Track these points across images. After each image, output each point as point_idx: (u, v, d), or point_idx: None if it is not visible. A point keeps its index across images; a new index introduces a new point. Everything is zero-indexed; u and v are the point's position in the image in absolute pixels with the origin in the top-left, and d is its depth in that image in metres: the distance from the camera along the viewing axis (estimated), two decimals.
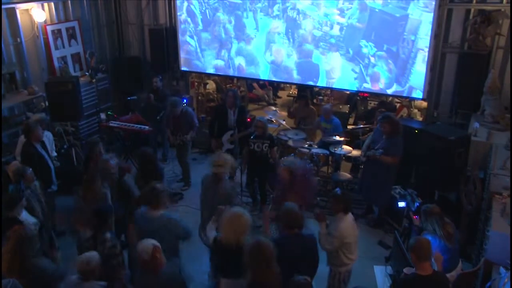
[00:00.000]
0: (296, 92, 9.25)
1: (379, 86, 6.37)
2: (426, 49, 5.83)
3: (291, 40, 6.84)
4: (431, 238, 3.44)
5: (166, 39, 7.64)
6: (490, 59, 5.52)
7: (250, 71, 7.39)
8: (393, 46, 6.07)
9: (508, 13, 5.32)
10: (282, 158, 5.88)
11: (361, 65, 6.40)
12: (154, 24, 7.85)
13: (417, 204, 4.27)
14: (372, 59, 6.28)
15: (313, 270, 3.37)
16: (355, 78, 6.52)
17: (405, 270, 3.34)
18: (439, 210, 3.52)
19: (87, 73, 7.33)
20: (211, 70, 7.74)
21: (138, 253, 2.96)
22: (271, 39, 6.99)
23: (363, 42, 6.29)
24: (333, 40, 6.48)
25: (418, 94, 6.10)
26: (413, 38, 5.90)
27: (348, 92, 8.29)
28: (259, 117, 5.63)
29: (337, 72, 6.63)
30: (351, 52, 6.42)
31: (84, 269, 2.95)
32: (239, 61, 7.39)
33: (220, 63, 7.58)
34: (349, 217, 3.66)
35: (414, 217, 4.15)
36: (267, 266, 2.77)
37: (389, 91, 6.34)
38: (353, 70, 6.49)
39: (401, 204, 4.45)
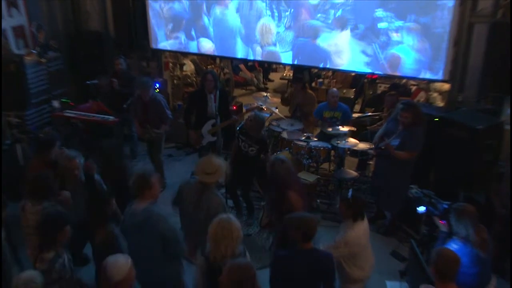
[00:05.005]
0: (291, 74, 9.36)
1: (402, 74, 6.07)
2: None
3: (276, 11, 6.52)
4: (461, 245, 3.40)
5: (134, 9, 7.52)
6: None
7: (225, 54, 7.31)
8: (422, 17, 5.62)
9: None
10: (274, 154, 5.87)
11: (375, 44, 5.96)
12: None
13: (444, 206, 4.25)
14: (395, 35, 5.80)
15: None
16: (367, 64, 6.16)
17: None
18: (474, 210, 3.47)
19: (34, 51, 7.10)
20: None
21: (107, 272, 2.75)
22: (252, 10, 6.71)
23: (379, 12, 5.84)
24: (334, 11, 6.12)
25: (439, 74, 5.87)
26: (451, 3, 5.46)
27: (353, 74, 8.33)
28: (257, 112, 5.43)
29: (343, 56, 6.26)
30: (361, 26, 6.00)
31: None
32: (208, 42, 7.22)
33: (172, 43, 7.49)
34: (360, 225, 3.64)
35: (441, 222, 4.13)
36: None
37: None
38: (363, 52, 6.09)
39: (421, 209, 4.44)
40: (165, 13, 7.37)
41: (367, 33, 5.99)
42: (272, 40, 6.74)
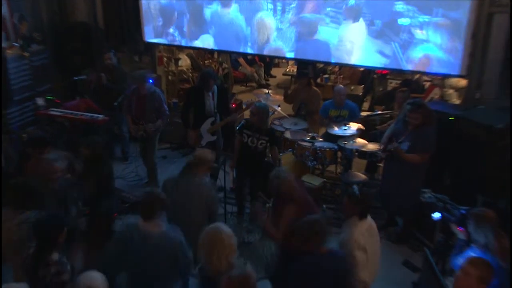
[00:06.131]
0: (295, 70, 9.53)
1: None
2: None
3: (279, 5, 6.44)
4: (481, 254, 3.38)
5: None
6: None
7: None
8: (452, 11, 5.39)
9: None
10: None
11: (395, 43, 5.72)
12: None
13: (462, 212, 4.20)
14: (419, 33, 5.53)
15: None
16: (385, 65, 6.03)
17: None
18: (494, 215, 3.49)
19: (16, 44, 7.08)
20: None
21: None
22: (251, 3, 6.65)
23: (399, 6, 5.60)
24: (344, 4, 5.96)
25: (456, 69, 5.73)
26: None
27: (361, 69, 8.31)
28: (258, 103, 5.51)
29: (355, 55, 6.13)
30: (378, 22, 5.79)
31: None
32: (206, 36, 7.21)
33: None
34: (364, 224, 3.65)
35: (459, 228, 4.07)
36: None
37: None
38: (381, 52, 5.87)
39: (436, 215, 4.45)
40: (158, 6, 7.35)
41: (385, 30, 5.74)
42: (270, 36, 6.69)
